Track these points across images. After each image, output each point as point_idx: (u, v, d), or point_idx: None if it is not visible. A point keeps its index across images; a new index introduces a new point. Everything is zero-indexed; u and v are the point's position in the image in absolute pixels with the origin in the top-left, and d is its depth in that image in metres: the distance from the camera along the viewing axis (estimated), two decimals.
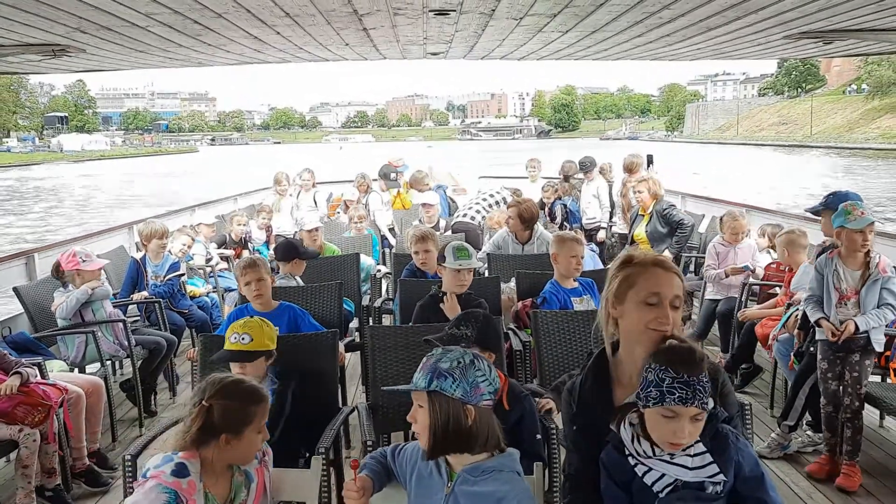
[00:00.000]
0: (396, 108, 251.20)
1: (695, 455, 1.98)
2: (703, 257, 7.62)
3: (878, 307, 4.04)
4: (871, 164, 59.22)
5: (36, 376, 4.19)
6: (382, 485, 2.32)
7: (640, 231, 7.45)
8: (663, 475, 1.98)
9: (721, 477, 1.97)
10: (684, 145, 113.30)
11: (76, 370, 5.18)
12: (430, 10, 3.48)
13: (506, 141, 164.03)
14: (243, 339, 3.35)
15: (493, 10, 3.50)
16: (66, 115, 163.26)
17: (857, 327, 4.02)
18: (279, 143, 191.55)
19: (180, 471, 2.28)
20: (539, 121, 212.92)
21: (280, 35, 4.07)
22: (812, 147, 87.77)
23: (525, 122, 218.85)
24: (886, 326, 4.19)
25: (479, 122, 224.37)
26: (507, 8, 3.44)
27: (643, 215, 7.43)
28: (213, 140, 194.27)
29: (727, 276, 6.31)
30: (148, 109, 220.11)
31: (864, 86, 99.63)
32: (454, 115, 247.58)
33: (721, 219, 6.55)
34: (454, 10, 3.48)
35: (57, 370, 4.89)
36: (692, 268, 7.71)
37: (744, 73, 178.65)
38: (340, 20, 3.65)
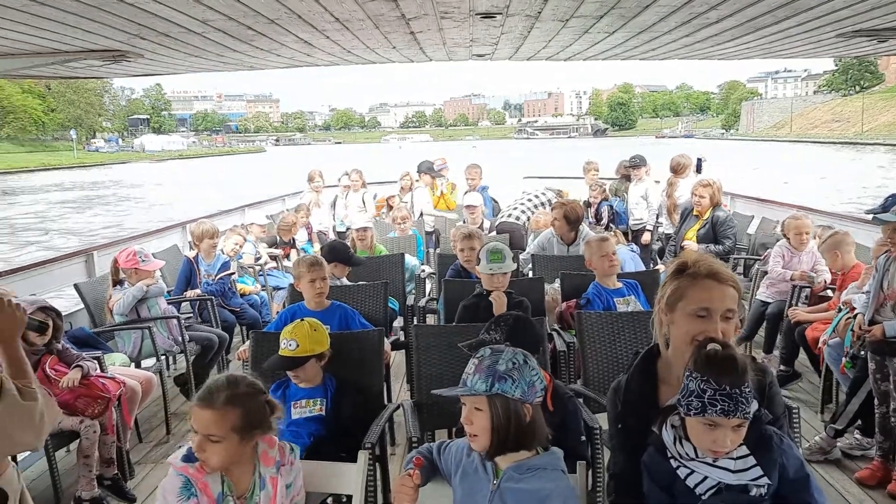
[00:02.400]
0: (454, 107, 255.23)
1: (738, 458, 1.96)
2: (753, 259, 7.53)
3: None
4: None
5: (96, 370, 4.36)
6: (428, 480, 2.37)
7: (692, 233, 7.38)
8: (706, 478, 1.97)
9: (765, 480, 1.95)
10: (738, 143, 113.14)
11: (132, 364, 5.37)
12: (476, 14, 3.52)
13: (561, 140, 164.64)
14: (290, 345, 3.45)
15: (539, 13, 3.52)
16: (148, 117, 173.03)
17: (884, 331, 3.94)
18: (340, 142, 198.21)
19: (189, 455, 2.35)
20: (595, 119, 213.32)
21: (329, 39, 4.15)
22: (862, 144, 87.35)
23: (581, 120, 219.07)
24: None
25: (536, 121, 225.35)
26: (553, 10, 3.46)
27: (697, 216, 7.35)
28: (277, 140, 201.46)
29: (793, 278, 6.13)
30: (216, 111, 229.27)
31: None
32: (511, 115, 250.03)
33: (783, 223, 6.38)
34: (500, 13, 3.51)
35: (118, 363, 5.07)
36: (741, 269, 7.61)
37: (805, 70, 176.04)
38: (388, 24, 3.71)
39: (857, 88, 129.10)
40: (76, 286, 5.72)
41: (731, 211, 8.85)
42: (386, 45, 4.48)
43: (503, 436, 2.11)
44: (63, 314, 5.80)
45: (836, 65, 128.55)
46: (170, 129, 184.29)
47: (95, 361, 4.44)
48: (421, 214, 9.55)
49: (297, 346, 3.44)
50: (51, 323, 3.85)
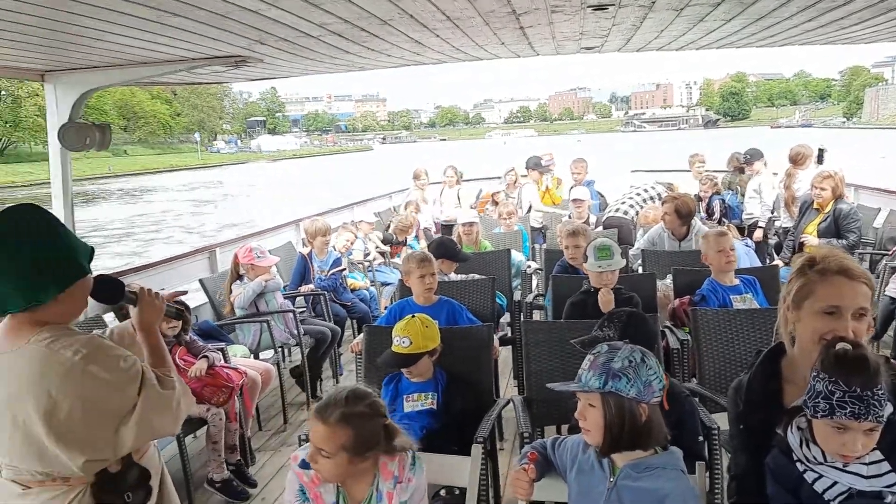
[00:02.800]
0: (558, 101, 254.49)
1: (870, 463, 1.85)
2: (880, 254, 7.09)
3: None
4: None
5: (220, 360, 4.60)
6: (543, 475, 2.38)
7: (812, 228, 7.03)
8: (835, 483, 1.86)
9: None
10: (860, 132, 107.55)
11: (252, 356, 5.63)
12: (588, 6, 3.47)
13: (670, 132, 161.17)
14: (403, 342, 3.52)
15: (654, 2, 3.43)
16: (264, 119, 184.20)
17: None
18: (445, 139, 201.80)
19: (305, 463, 2.33)
20: (706, 110, 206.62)
21: (440, 38, 4.20)
22: None
23: (691, 111, 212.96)
24: None
25: (643, 114, 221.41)
26: None
27: (818, 210, 7.00)
28: (384, 139, 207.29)
29: None
30: (326, 111, 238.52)
31: None
32: (617, 107, 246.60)
33: None
34: (613, 5, 3.45)
35: (240, 354, 5.34)
36: (867, 265, 7.17)
37: None
38: (499, 20, 3.72)
39: None
40: (201, 281, 6.06)
41: (855, 203, 8.35)
42: (495, 42, 4.49)
43: (616, 434, 2.09)
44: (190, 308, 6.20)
45: None
46: (283, 129, 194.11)
47: (220, 353, 4.68)
48: (529, 209, 9.48)
49: (411, 343, 3.51)
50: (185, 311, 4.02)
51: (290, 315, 5.76)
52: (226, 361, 4.72)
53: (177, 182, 66.85)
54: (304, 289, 6.56)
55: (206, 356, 4.46)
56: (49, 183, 4.89)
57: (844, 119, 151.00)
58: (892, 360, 2.11)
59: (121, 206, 44.37)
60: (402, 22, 3.62)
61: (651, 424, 2.11)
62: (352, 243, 7.59)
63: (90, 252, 2.23)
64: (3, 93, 76.39)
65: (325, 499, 2.37)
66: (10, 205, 2.21)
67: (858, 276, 2.05)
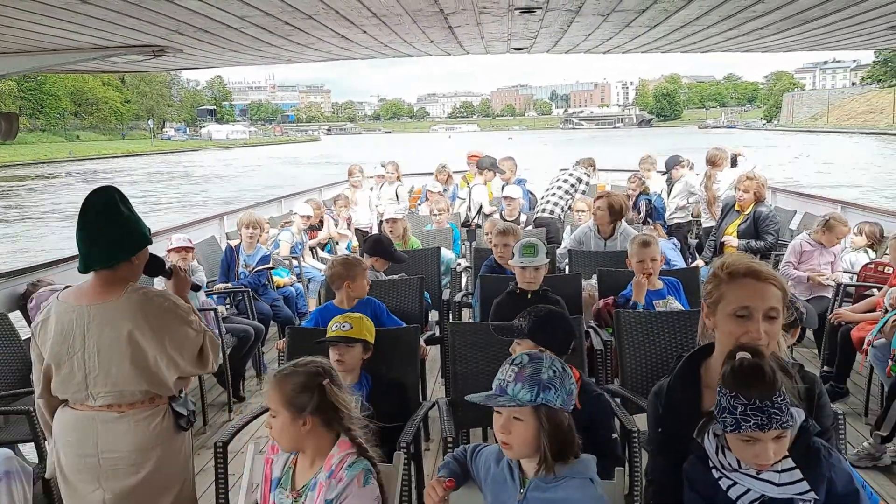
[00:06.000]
0: (501, 98, 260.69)
1: (783, 471, 1.90)
2: None
3: None
4: None
5: None
6: (460, 484, 2.35)
7: (733, 228, 7.25)
8: (749, 490, 1.90)
9: (811, 495, 1.88)
10: (775, 133, 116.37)
11: None
12: (515, 8, 3.47)
13: (606, 130, 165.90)
14: (344, 326, 3.53)
15: (580, 7, 3.45)
16: (215, 108, 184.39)
17: None
18: (389, 132, 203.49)
19: None
20: (641, 110, 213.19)
21: (367, 34, 4.13)
22: (890, 135, 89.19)
23: (627, 111, 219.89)
24: None
25: (582, 112, 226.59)
26: (595, 4, 3.38)
27: (739, 211, 7.22)
28: (328, 130, 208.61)
29: (809, 280, 6.12)
30: (269, 101, 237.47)
31: None
32: (557, 105, 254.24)
33: (827, 222, 6.21)
34: (540, 8, 3.45)
35: None
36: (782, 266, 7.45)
37: (854, 61, 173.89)
38: (427, 19, 3.68)
39: None
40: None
41: (773, 206, 8.67)
42: (423, 40, 4.44)
43: (550, 445, 2.07)
44: None
45: (877, 56, 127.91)
46: (231, 119, 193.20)
47: None
48: (479, 210, 9.30)
49: (352, 327, 3.54)
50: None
51: (212, 314, 5.60)
52: None
53: (139, 165, 67.07)
54: (220, 287, 6.39)
55: None
56: None
57: (765, 121, 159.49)
58: (805, 369, 2.17)
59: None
60: (327, 17, 3.53)
61: (573, 432, 2.11)
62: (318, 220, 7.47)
63: (148, 228, 2.89)
64: None
65: (274, 469, 2.48)
66: (98, 185, 2.91)
67: (767, 277, 2.08)
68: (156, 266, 2.98)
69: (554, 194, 8.49)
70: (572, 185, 8.45)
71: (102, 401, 2.71)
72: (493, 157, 10.00)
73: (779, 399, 1.84)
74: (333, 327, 3.54)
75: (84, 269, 2.75)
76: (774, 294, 2.06)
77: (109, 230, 2.72)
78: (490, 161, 9.79)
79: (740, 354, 1.94)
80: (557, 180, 8.60)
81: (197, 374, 3.11)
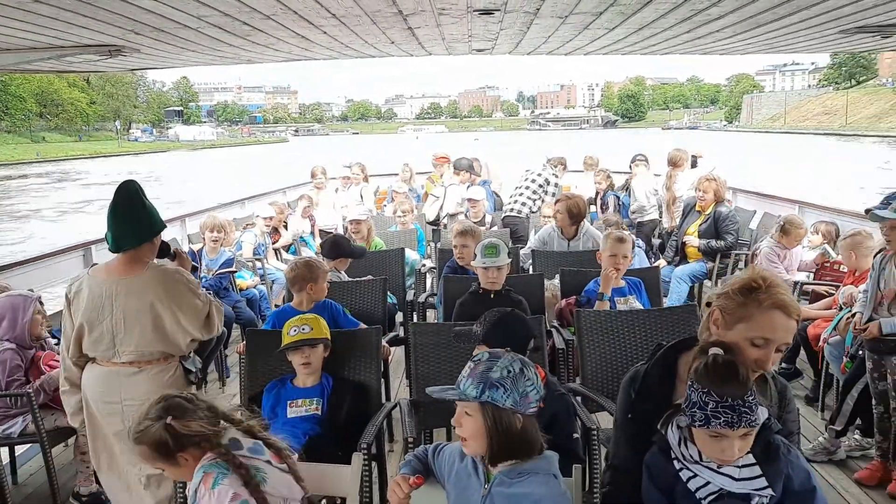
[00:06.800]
0: (468, 99, 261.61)
1: (743, 466, 1.93)
2: (755, 255, 7.49)
3: None
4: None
5: None
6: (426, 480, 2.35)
7: (694, 228, 7.37)
8: (708, 483, 1.93)
9: (769, 491, 1.91)
10: (735, 134, 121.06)
11: None
12: (474, 10, 3.49)
13: (572, 131, 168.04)
14: (303, 329, 3.51)
15: (538, 10, 3.48)
16: (182, 109, 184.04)
17: (881, 329, 3.92)
18: (357, 133, 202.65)
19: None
20: (606, 111, 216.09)
21: (327, 34, 4.12)
22: (844, 136, 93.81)
23: (592, 112, 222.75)
24: None
25: (548, 113, 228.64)
26: (552, 7, 3.42)
27: (700, 212, 7.34)
28: (296, 131, 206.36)
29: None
30: (236, 102, 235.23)
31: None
32: (524, 106, 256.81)
33: (783, 226, 6.32)
34: (498, 10, 3.48)
35: None
36: (741, 265, 7.58)
37: (812, 63, 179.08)
38: (386, 20, 3.68)
39: (853, 82, 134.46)
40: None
41: (734, 206, 8.81)
42: (384, 41, 4.44)
43: (493, 443, 2.08)
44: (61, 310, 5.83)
45: (833, 59, 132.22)
46: (197, 120, 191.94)
47: None
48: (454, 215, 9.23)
49: (312, 329, 3.52)
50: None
51: None
52: None
53: (111, 168, 65.59)
54: None
55: None
56: None
57: (726, 123, 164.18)
58: (775, 373, 2.20)
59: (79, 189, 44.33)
60: (285, 18, 3.52)
61: (527, 434, 2.10)
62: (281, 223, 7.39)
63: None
64: None
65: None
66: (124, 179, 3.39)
67: (793, 312, 2.05)
68: (163, 249, 3.50)
69: (522, 194, 8.54)
70: (541, 186, 8.52)
71: (126, 358, 3.27)
72: (469, 158, 10.03)
73: (749, 398, 1.87)
74: (292, 332, 3.51)
75: (116, 249, 3.28)
76: (793, 329, 2.06)
77: (136, 217, 3.27)
78: (467, 163, 9.81)
79: (713, 350, 1.96)
80: (526, 180, 8.65)
81: (205, 338, 3.57)
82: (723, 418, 1.85)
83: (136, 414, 2.68)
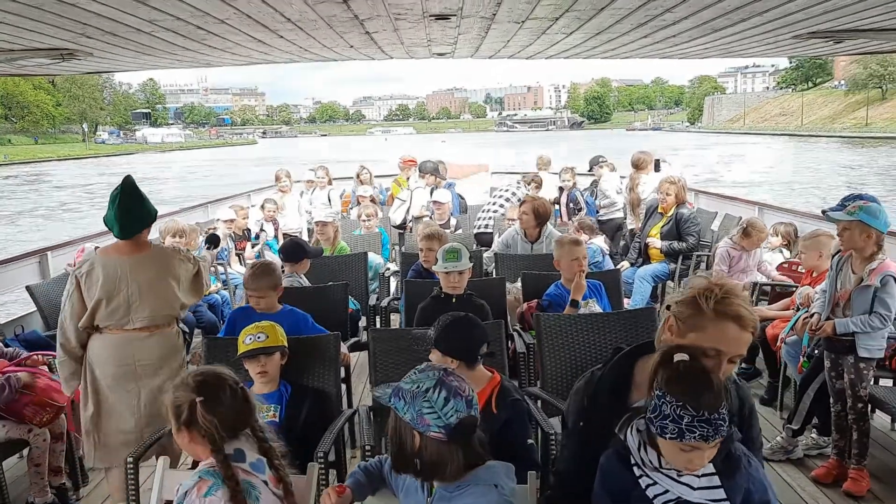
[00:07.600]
0: (436, 101, 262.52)
1: (702, 475, 1.88)
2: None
3: (869, 313, 3.92)
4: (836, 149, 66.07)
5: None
6: (364, 496, 2.34)
7: (656, 230, 7.45)
8: (666, 491, 1.88)
9: None
10: (697, 135, 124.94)
11: None
12: (430, 15, 3.48)
13: (539, 132, 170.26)
14: (259, 337, 3.45)
15: (494, 15, 3.48)
16: (149, 111, 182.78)
17: (835, 328, 3.99)
18: (325, 135, 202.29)
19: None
20: (573, 112, 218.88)
21: (284, 39, 4.09)
22: (799, 136, 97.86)
23: (559, 113, 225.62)
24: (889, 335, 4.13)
25: (515, 115, 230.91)
26: (508, 12, 3.42)
27: (662, 213, 7.42)
28: (264, 133, 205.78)
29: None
30: (202, 104, 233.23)
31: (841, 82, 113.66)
32: (492, 108, 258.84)
33: (744, 229, 6.40)
34: (454, 15, 3.47)
35: None
36: (704, 266, 7.67)
37: (773, 66, 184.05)
38: (342, 25, 3.66)
39: (809, 84, 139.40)
40: (28, 288, 5.57)
41: (696, 208, 8.92)
42: (343, 45, 4.42)
43: (394, 450, 2.10)
44: (14, 318, 5.70)
45: (791, 62, 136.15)
46: (164, 122, 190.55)
47: (45, 366, 4.33)
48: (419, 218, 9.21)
49: (268, 337, 3.46)
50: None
51: None
52: (51, 374, 4.36)
53: (82, 171, 64.98)
54: None
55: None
56: None
57: (688, 124, 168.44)
58: (739, 383, 2.17)
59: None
60: (240, 22, 3.48)
61: (427, 457, 2.04)
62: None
63: None
64: None
65: None
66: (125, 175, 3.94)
67: (748, 325, 1.99)
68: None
69: (495, 211, 8.62)
70: (507, 199, 8.61)
71: (139, 324, 3.76)
72: (434, 161, 9.99)
73: (723, 410, 1.82)
74: (247, 340, 3.45)
75: (124, 236, 3.77)
76: (746, 342, 2.00)
77: (139, 206, 3.79)
78: (433, 166, 9.77)
79: (678, 356, 1.89)
80: (500, 197, 8.74)
81: (195, 301, 4.27)
82: (698, 432, 1.79)
83: (146, 372, 3.76)
